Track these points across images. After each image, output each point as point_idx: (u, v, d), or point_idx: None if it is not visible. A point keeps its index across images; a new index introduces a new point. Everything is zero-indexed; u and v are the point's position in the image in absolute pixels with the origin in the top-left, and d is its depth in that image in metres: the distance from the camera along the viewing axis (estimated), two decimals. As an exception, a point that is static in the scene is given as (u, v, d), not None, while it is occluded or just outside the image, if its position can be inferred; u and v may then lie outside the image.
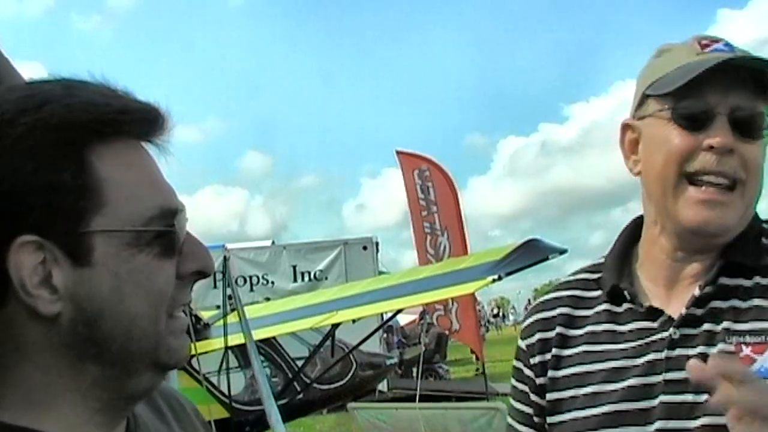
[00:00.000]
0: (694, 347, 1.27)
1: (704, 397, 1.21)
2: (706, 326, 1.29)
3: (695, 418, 1.23)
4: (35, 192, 0.81)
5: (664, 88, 1.32)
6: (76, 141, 0.83)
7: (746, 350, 1.24)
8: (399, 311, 8.65)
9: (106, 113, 0.85)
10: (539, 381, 1.41)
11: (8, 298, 0.83)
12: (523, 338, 1.48)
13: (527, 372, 1.44)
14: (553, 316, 1.44)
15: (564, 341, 1.41)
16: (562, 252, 6.43)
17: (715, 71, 1.27)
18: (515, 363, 1.49)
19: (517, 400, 1.47)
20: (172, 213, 0.89)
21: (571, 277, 1.50)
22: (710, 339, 1.27)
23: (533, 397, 1.43)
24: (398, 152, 14.83)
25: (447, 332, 14.72)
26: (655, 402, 1.26)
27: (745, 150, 1.28)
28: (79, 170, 0.83)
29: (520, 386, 1.46)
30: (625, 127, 1.41)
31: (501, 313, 56.98)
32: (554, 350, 1.41)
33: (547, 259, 6.28)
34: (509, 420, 1.50)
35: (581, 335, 1.40)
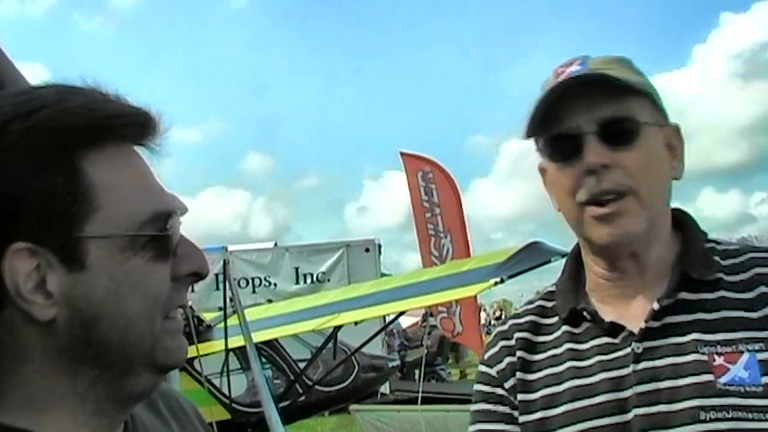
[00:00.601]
0: (660, 359, 1.28)
1: (677, 406, 1.24)
2: (673, 339, 1.29)
3: (672, 427, 1.24)
4: (28, 198, 0.81)
5: (525, 132, 1.36)
6: (68, 146, 0.84)
7: (719, 360, 1.25)
8: (401, 313, 8.65)
9: (99, 118, 0.85)
10: (516, 403, 1.40)
11: (4, 303, 0.83)
12: (491, 365, 1.46)
13: (502, 393, 1.43)
14: (513, 344, 1.45)
15: (527, 366, 1.41)
16: (564, 255, 6.39)
17: (573, 92, 1.30)
18: (484, 387, 1.46)
19: (498, 420, 1.42)
20: (165, 216, 0.89)
21: (528, 305, 1.51)
22: (679, 350, 1.28)
23: (516, 414, 1.40)
24: (402, 153, 14.80)
25: (450, 335, 14.67)
26: (630, 416, 1.27)
27: (623, 159, 1.29)
28: (72, 175, 0.83)
29: (501, 408, 1.42)
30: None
31: (504, 316, 57.02)
32: (518, 374, 1.41)
33: (549, 261, 6.29)
34: None
35: (544, 359, 1.41)
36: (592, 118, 1.29)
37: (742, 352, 1.25)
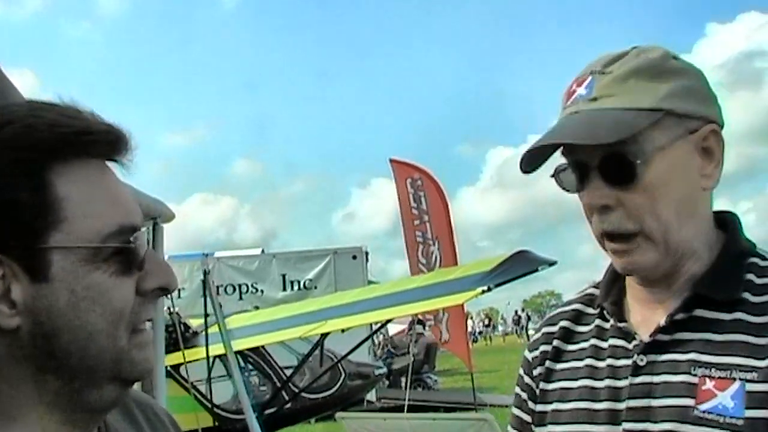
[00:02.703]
0: (658, 375, 1.24)
1: (657, 426, 1.21)
2: (671, 355, 1.25)
3: None
4: None
5: (526, 164, 1.30)
6: (35, 160, 0.85)
7: (709, 384, 1.20)
8: (388, 321, 8.64)
9: (67, 134, 0.86)
10: (537, 391, 1.42)
11: None
12: (530, 350, 1.48)
13: (529, 381, 1.45)
14: (555, 330, 1.44)
15: (558, 355, 1.41)
16: (552, 264, 6.45)
17: (589, 122, 1.23)
18: (520, 371, 1.49)
19: (517, 406, 1.48)
20: (131, 230, 0.90)
21: (579, 294, 1.48)
22: (674, 368, 1.23)
23: (531, 405, 1.44)
24: (392, 161, 14.83)
25: (437, 342, 14.69)
26: (619, 429, 1.25)
27: (625, 198, 1.23)
28: (38, 188, 0.84)
29: (522, 394, 1.47)
30: None
31: (491, 324, 57.10)
32: (547, 363, 1.41)
33: (536, 270, 6.30)
34: (509, 427, 1.51)
35: (574, 351, 1.39)
36: (597, 151, 1.23)
37: (734, 380, 1.18)
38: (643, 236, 1.24)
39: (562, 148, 1.28)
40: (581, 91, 1.28)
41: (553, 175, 1.32)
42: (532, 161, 1.29)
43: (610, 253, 1.29)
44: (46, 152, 0.85)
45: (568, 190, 1.31)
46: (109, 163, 0.93)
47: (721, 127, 1.30)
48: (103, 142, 0.90)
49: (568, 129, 1.26)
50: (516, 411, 1.49)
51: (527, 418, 1.45)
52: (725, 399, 1.18)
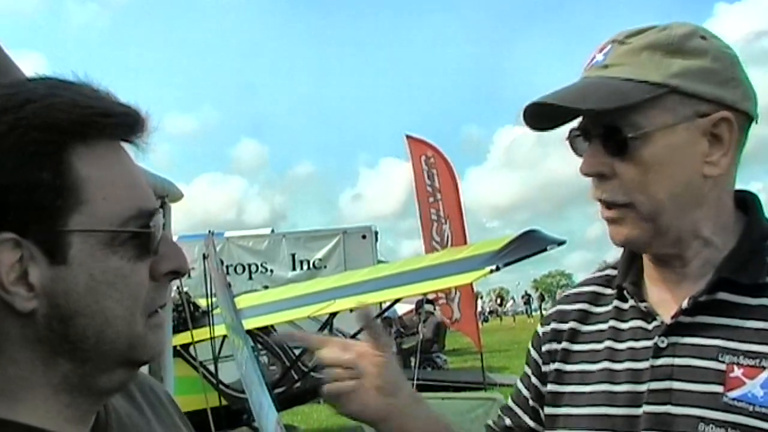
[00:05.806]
0: (681, 357, 1.22)
1: (681, 410, 1.19)
2: (697, 339, 1.22)
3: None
4: (13, 190, 0.81)
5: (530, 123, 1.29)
6: (56, 141, 0.84)
7: (738, 371, 1.18)
8: (397, 300, 8.67)
9: (88, 115, 0.85)
10: (544, 369, 1.42)
11: None
12: (542, 325, 1.48)
13: (536, 357, 1.45)
14: (571, 310, 1.43)
15: (575, 336, 1.40)
16: (561, 243, 6.45)
17: (587, 87, 1.24)
18: (529, 345, 1.49)
19: (520, 379, 1.49)
20: (149, 214, 0.89)
21: (598, 273, 1.47)
22: (700, 352, 1.21)
23: (534, 380, 1.44)
24: (407, 137, 14.82)
25: (448, 321, 14.72)
26: (640, 411, 1.23)
27: (621, 169, 1.22)
28: (59, 170, 0.83)
29: (526, 368, 1.48)
30: None
31: (504, 303, 57.33)
32: (564, 343, 1.40)
33: (545, 250, 6.30)
34: (508, 399, 1.52)
35: (592, 332, 1.38)
36: (601, 119, 1.22)
37: (763, 368, 1.16)
38: (633, 210, 1.23)
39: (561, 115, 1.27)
40: (599, 57, 1.28)
41: (567, 138, 1.32)
42: (538, 119, 1.28)
43: (605, 221, 1.28)
44: (67, 133, 0.84)
45: (577, 154, 1.30)
46: (124, 145, 0.92)
47: (752, 117, 1.26)
48: (123, 124, 0.89)
49: (564, 92, 1.25)
50: (519, 384, 1.50)
51: (527, 393, 1.45)
52: (755, 387, 1.16)
